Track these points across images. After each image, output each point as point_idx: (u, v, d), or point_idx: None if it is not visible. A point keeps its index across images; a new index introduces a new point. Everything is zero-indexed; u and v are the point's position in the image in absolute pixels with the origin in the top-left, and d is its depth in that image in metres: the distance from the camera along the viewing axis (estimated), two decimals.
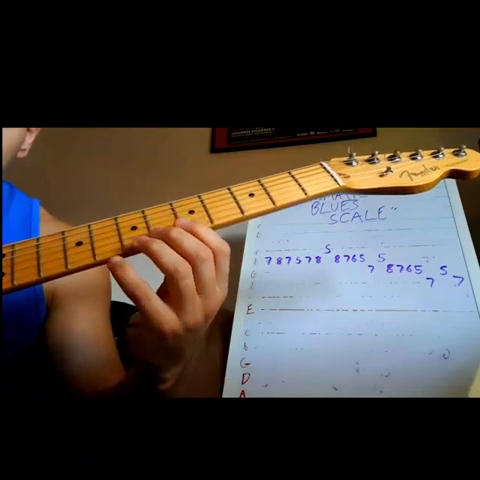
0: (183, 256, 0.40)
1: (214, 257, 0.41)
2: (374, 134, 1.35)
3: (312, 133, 1.43)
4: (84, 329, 0.62)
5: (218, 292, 0.42)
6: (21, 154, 0.65)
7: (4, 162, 0.58)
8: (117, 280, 0.40)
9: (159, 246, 0.40)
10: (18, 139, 0.61)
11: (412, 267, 0.86)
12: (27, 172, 1.07)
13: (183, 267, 0.39)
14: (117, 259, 0.40)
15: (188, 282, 0.39)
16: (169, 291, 0.40)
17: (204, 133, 1.53)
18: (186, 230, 0.41)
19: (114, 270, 0.40)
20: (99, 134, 1.48)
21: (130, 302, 0.41)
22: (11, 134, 0.58)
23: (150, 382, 0.47)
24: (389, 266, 0.87)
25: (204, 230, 0.42)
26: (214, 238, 0.42)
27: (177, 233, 0.40)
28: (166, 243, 0.40)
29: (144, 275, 0.42)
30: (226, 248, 0.42)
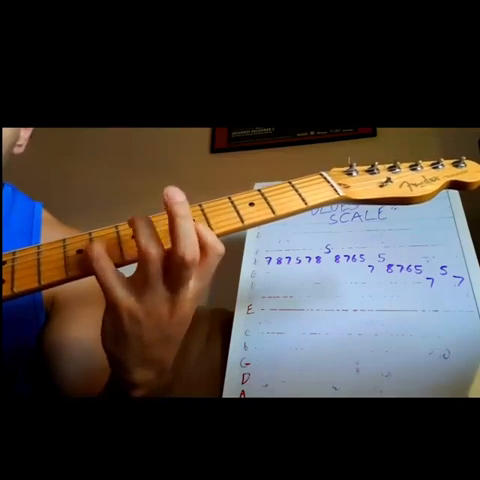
0: (173, 246, 0.39)
1: (206, 252, 0.41)
2: (374, 134, 1.35)
3: (312, 133, 1.43)
4: (83, 335, 0.62)
5: (191, 286, 0.41)
6: (17, 150, 0.64)
7: None
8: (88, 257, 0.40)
9: (140, 224, 0.40)
10: (10, 135, 0.60)
11: (412, 267, 0.86)
12: (29, 174, 1.07)
13: (154, 250, 0.39)
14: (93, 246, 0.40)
15: (155, 268, 0.39)
16: (137, 268, 0.40)
17: (204, 133, 1.53)
18: None
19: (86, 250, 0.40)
20: (99, 134, 1.48)
21: None
22: (4, 131, 0.58)
23: (120, 384, 0.45)
24: (389, 266, 0.87)
25: (201, 227, 0.41)
26: (210, 236, 0.41)
27: (182, 222, 0.39)
28: (170, 223, 0.40)
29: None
30: (221, 248, 0.42)
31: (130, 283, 0.40)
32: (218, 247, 0.41)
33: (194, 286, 0.41)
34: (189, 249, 0.39)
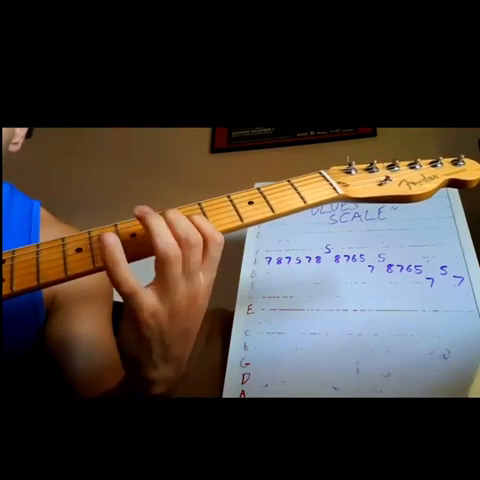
0: (175, 236, 0.40)
1: (206, 244, 0.41)
2: (374, 134, 1.35)
3: (312, 133, 1.43)
4: (85, 332, 0.62)
5: (201, 279, 0.42)
6: (13, 148, 0.64)
7: None
8: (102, 257, 0.39)
9: (158, 223, 0.40)
10: (5, 133, 0.60)
11: (412, 267, 0.86)
12: (29, 173, 1.07)
13: (174, 252, 0.39)
14: (110, 240, 0.39)
15: (176, 269, 0.39)
16: (156, 272, 0.40)
17: (204, 133, 1.53)
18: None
19: (102, 249, 0.39)
20: (99, 134, 1.48)
21: None
22: None
23: (138, 382, 0.45)
24: (389, 266, 0.87)
25: (198, 217, 0.42)
26: (208, 226, 0.42)
27: (172, 214, 0.41)
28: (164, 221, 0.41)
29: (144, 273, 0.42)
30: (219, 237, 0.42)
31: (150, 287, 0.40)
32: (217, 237, 0.42)
33: (204, 279, 0.42)
34: (190, 231, 0.40)
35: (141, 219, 0.41)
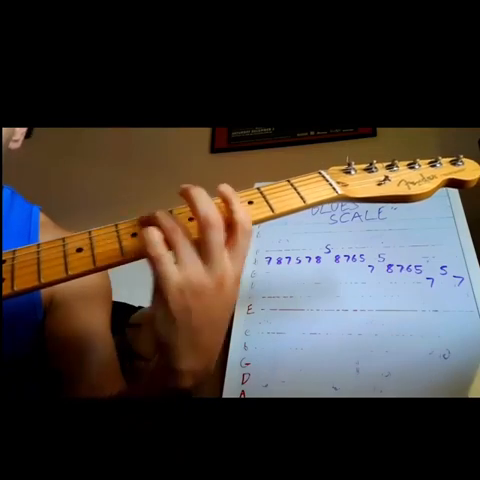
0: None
1: (234, 230, 0.42)
2: (374, 134, 1.35)
3: (312, 133, 1.43)
4: (82, 332, 0.62)
5: (229, 265, 0.41)
6: (14, 145, 0.64)
7: None
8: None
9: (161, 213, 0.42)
10: (5, 131, 0.60)
11: (412, 267, 0.86)
12: (29, 173, 1.07)
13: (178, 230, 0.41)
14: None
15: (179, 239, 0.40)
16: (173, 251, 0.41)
17: (204, 133, 1.54)
18: (221, 194, 0.43)
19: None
20: (99, 134, 1.48)
21: (130, 302, 0.41)
22: None
23: (166, 374, 0.45)
24: (389, 266, 0.87)
25: (236, 199, 0.43)
26: (242, 212, 0.42)
27: (196, 192, 0.42)
28: (185, 198, 0.42)
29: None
30: (248, 226, 0.43)
31: (175, 263, 0.41)
32: (246, 226, 0.42)
33: (231, 268, 0.42)
34: (209, 211, 0.41)
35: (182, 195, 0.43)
